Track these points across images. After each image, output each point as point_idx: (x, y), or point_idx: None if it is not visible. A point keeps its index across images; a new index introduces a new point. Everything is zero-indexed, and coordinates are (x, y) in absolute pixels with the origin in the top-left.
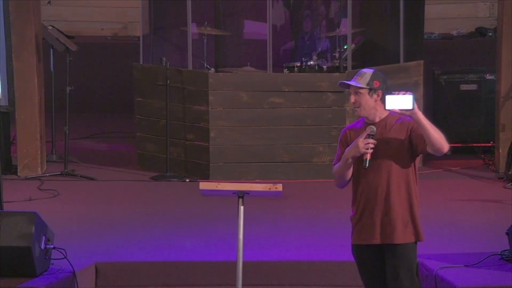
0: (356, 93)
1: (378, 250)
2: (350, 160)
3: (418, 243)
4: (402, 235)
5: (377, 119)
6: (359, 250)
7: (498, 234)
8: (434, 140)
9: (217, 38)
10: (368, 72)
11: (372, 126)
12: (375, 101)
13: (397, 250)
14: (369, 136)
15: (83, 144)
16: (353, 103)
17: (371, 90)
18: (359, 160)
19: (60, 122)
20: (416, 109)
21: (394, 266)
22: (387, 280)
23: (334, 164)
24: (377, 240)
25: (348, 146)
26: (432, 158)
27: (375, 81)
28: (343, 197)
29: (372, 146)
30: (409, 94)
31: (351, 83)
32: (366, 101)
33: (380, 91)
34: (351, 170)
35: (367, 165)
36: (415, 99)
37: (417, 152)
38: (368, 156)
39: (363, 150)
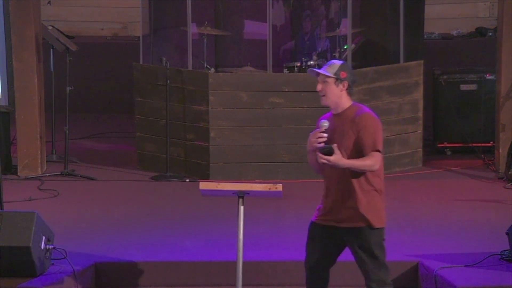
0: (324, 81)
1: (332, 231)
2: (311, 153)
3: (385, 229)
4: (358, 219)
5: (339, 110)
6: (313, 227)
7: (498, 234)
8: (365, 170)
9: (217, 38)
10: (337, 63)
11: (325, 121)
12: (341, 91)
13: (355, 233)
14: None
15: (83, 144)
16: (319, 91)
17: (338, 80)
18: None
19: (60, 122)
20: (335, 160)
21: (357, 249)
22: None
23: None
24: (335, 223)
25: None
26: (432, 158)
27: (342, 72)
28: None
29: (322, 140)
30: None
31: (320, 71)
32: (331, 90)
33: (346, 82)
34: (315, 158)
35: (330, 150)
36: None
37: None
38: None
39: (314, 145)
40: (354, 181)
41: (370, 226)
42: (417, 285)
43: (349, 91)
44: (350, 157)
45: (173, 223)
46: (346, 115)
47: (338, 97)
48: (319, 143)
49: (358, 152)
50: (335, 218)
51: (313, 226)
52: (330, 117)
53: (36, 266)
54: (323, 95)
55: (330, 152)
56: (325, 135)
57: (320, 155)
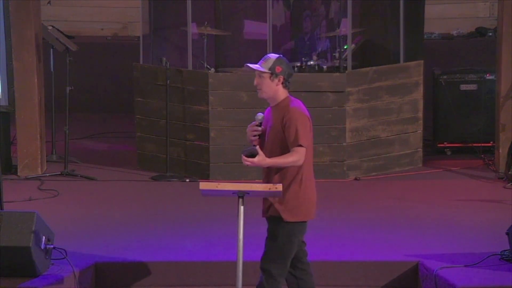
0: (260, 76)
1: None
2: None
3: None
4: (271, 209)
5: (275, 103)
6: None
7: (498, 234)
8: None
9: (217, 38)
10: (272, 57)
11: (260, 114)
12: (276, 85)
13: (268, 222)
14: (259, 124)
15: (83, 144)
16: (256, 85)
17: (273, 74)
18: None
19: (60, 122)
20: (258, 161)
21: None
22: None
23: None
24: (265, 215)
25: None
26: (432, 158)
27: (277, 67)
28: (343, 197)
29: (256, 133)
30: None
31: (255, 67)
32: (267, 84)
33: (281, 76)
34: None
35: (253, 152)
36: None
37: None
38: (255, 143)
39: (249, 138)
40: (276, 174)
41: (281, 219)
42: (417, 285)
43: (285, 85)
44: (280, 149)
45: (173, 223)
46: (279, 109)
47: (274, 91)
48: (254, 136)
49: (282, 143)
50: (263, 207)
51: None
52: (269, 109)
53: (36, 266)
54: (260, 89)
55: (253, 154)
56: (260, 128)
57: (244, 157)
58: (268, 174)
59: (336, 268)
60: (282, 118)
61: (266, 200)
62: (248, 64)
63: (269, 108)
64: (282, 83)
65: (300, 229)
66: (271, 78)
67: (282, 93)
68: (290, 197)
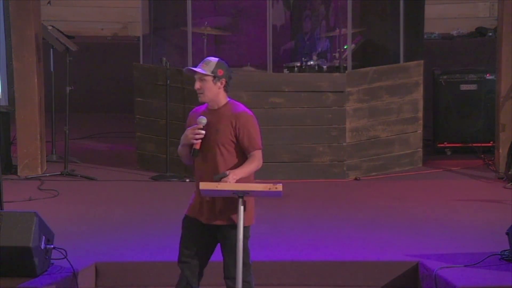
0: (201, 79)
1: (204, 227)
2: (184, 147)
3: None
4: (222, 217)
5: (216, 107)
6: (187, 221)
7: (498, 234)
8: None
9: (217, 38)
10: (213, 60)
11: (203, 117)
12: (218, 88)
13: (221, 230)
14: (202, 128)
15: (83, 144)
16: (198, 89)
17: (215, 77)
18: (192, 146)
19: (60, 122)
20: (232, 181)
21: (222, 246)
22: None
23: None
24: (203, 219)
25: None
26: (432, 158)
27: (219, 70)
28: (343, 197)
29: (199, 136)
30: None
31: (197, 69)
32: (209, 88)
33: (223, 79)
34: (187, 151)
35: (194, 155)
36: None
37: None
38: (197, 146)
39: (191, 141)
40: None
41: (235, 224)
42: (417, 285)
43: (226, 88)
44: (218, 156)
45: (173, 223)
46: (222, 112)
47: (216, 94)
48: (196, 139)
49: (233, 148)
50: (206, 214)
51: (186, 220)
52: (204, 112)
53: (36, 266)
54: (201, 93)
55: (223, 177)
56: (203, 132)
57: (220, 184)
58: (217, 171)
59: (336, 268)
60: (232, 123)
61: (214, 207)
62: (190, 67)
63: (201, 110)
64: (224, 86)
65: (249, 231)
66: (214, 81)
67: (223, 96)
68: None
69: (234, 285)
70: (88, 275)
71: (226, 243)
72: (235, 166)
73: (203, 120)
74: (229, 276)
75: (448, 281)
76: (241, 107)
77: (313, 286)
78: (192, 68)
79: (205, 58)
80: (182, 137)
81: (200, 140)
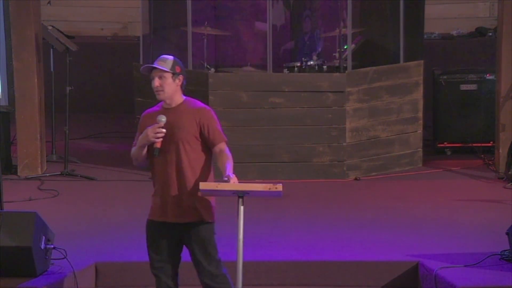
0: (161, 77)
1: (170, 228)
2: (143, 148)
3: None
4: (190, 214)
5: (174, 104)
6: (152, 226)
7: (498, 234)
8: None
9: (217, 38)
10: (169, 58)
11: (163, 116)
12: (177, 85)
13: (188, 228)
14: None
15: (83, 144)
16: (157, 86)
17: (175, 74)
18: (152, 146)
19: (60, 122)
20: (234, 180)
21: (190, 244)
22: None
23: (133, 146)
24: (169, 218)
25: (143, 130)
26: (432, 158)
27: (176, 67)
28: (343, 197)
29: (161, 135)
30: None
31: (158, 66)
32: (169, 85)
33: (181, 76)
34: (145, 153)
35: (156, 154)
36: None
37: (208, 146)
38: (158, 145)
39: (152, 139)
40: (191, 177)
41: (203, 221)
42: (417, 285)
43: (183, 85)
44: (180, 153)
45: None
46: (181, 109)
47: (175, 91)
48: (157, 138)
49: (196, 145)
50: (173, 212)
51: (151, 225)
52: (160, 111)
53: (36, 266)
54: (161, 91)
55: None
56: (164, 130)
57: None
58: (181, 175)
59: (336, 268)
60: (196, 119)
61: (181, 205)
62: (150, 65)
63: (155, 110)
64: (182, 84)
65: (214, 227)
66: (173, 78)
67: (180, 94)
68: (207, 199)
69: (212, 282)
70: (88, 275)
71: (196, 240)
72: (199, 163)
73: (163, 118)
74: (204, 273)
75: (448, 281)
76: (200, 103)
77: (313, 286)
78: (152, 65)
79: (159, 56)
80: (141, 138)
81: (161, 139)
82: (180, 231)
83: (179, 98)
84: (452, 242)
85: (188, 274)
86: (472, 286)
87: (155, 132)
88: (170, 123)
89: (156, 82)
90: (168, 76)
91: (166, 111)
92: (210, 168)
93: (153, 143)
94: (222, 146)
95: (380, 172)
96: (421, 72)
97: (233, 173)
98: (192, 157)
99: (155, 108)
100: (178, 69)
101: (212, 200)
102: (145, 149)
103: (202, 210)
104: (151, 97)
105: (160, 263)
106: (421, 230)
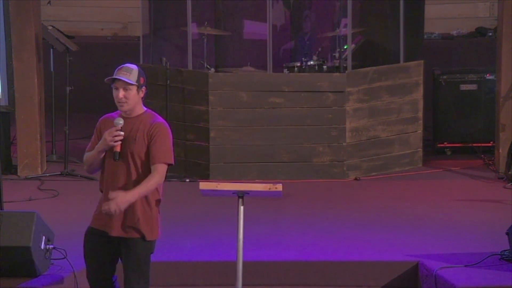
0: (126, 89)
1: (108, 238)
2: (101, 153)
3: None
4: (132, 230)
5: (133, 115)
6: (92, 233)
7: (498, 234)
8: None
9: (217, 38)
10: (135, 68)
11: (120, 119)
12: (140, 97)
13: (126, 243)
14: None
15: (83, 144)
16: (121, 98)
17: (139, 86)
18: (110, 151)
19: (60, 122)
20: (119, 204)
21: (125, 259)
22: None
23: (87, 151)
24: (112, 232)
25: (100, 135)
26: (432, 158)
27: (141, 78)
28: (343, 197)
29: (119, 138)
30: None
31: (124, 79)
32: (133, 96)
33: (144, 87)
34: (102, 158)
35: (116, 158)
36: None
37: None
38: (118, 149)
39: (111, 143)
40: (134, 185)
41: (143, 238)
42: (417, 285)
43: (144, 97)
44: (131, 166)
45: (173, 223)
46: (139, 121)
47: (137, 102)
48: (116, 141)
49: (147, 159)
50: (110, 224)
51: (91, 231)
52: (118, 116)
53: (36, 266)
54: (125, 102)
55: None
56: (122, 133)
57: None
58: (128, 189)
59: (336, 268)
60: (147, 132)
61: (122, 219)
62: (116, 76)
63: (114, 117)
64: (144, 95)
65: (154, 245)
66: (137, 90)
67: (141, 105)
68: (152, 216)
69: None
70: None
71: (133, 257)
72: (146, 176)
73: (121, 121)
74: None
75: (448, 281)
76: (159, 118)
77: (313, 286)
78: (118, 77)
79: (123, 65)
80: (99, 143)
81: (120, 142)
82: (119, 243)
83: (140, 109)
84: (452, 242)
85: (188, 274)
86: (472, 286)
87: (113, 136)
88: (125, 133)
89: (120, 94)
90: (133, 88)
91: (124, 119)
92: (162, 184)
93: (113, 147)
94: (159, 167)
95: (380, 172)
96: (421, 72)
97: (129, 196)
98: (141, 172)
99: (113, 114)
100: (142, 80)
101: (159, 217)
102: (103, 154)
103: (146, 227)
104: (151, 97)
105: (97, 272)
106: (421, 230)
